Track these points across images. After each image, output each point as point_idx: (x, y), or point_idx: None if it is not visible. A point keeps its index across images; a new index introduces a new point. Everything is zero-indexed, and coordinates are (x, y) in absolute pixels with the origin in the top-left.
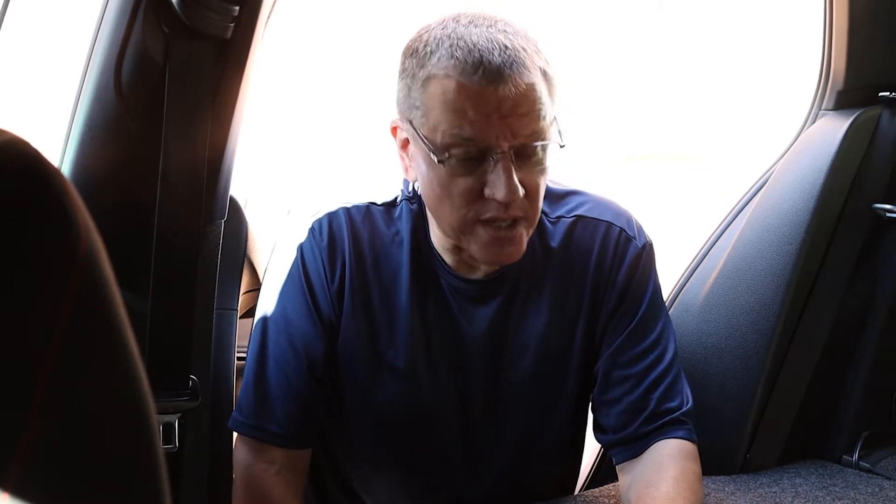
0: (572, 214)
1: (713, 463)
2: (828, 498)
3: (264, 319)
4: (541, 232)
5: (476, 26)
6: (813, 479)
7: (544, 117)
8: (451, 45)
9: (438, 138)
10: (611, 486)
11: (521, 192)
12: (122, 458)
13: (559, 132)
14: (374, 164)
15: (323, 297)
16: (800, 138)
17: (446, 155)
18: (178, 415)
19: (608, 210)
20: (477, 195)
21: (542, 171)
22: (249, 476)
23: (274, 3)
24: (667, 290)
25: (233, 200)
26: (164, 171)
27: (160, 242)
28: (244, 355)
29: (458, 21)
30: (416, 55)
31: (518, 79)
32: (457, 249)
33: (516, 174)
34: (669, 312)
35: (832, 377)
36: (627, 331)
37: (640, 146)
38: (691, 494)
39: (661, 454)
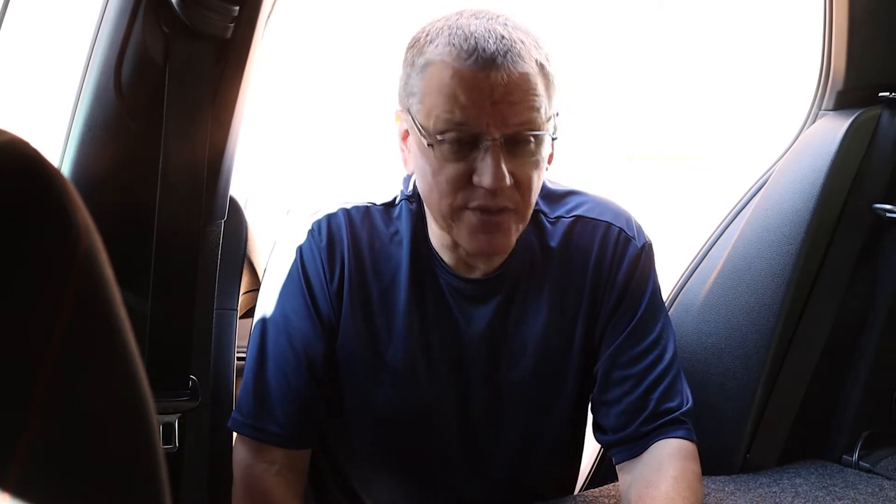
0: (571, 214)
1: (713, 463)
2: (828, 498)
3: (263, 320)
4: (540, 232)
5: (477, 19)
6: (813, 479)
7: (538, 109)
8: (449, 34)
9: (432, 124)
10: (611, 486)
11: (509, 180)
12: (122, 458)
13: (555, 127)
14: (374, 164)
15: (322, 298)
16: (800, 138)
17: (438, 139)
18: (178, 415)
19: (607, 210)
20: (465, 182)
21: (535, 164)
22: (249, 476)
23: (274, 3)
24: (667, 290)
25: (233, 200)
26: (164, 171)
27: (160, 242)
28: (244, 355)
29: (461, 15)
30: (416, 45)
31: (511, 67)
32: (455, 246)
33: (507, 164)
34: (669, 312)
35: (832, 377)
36: (627, 331)
37: (640, 146)
38: (691, 494)
39: (660, 454)
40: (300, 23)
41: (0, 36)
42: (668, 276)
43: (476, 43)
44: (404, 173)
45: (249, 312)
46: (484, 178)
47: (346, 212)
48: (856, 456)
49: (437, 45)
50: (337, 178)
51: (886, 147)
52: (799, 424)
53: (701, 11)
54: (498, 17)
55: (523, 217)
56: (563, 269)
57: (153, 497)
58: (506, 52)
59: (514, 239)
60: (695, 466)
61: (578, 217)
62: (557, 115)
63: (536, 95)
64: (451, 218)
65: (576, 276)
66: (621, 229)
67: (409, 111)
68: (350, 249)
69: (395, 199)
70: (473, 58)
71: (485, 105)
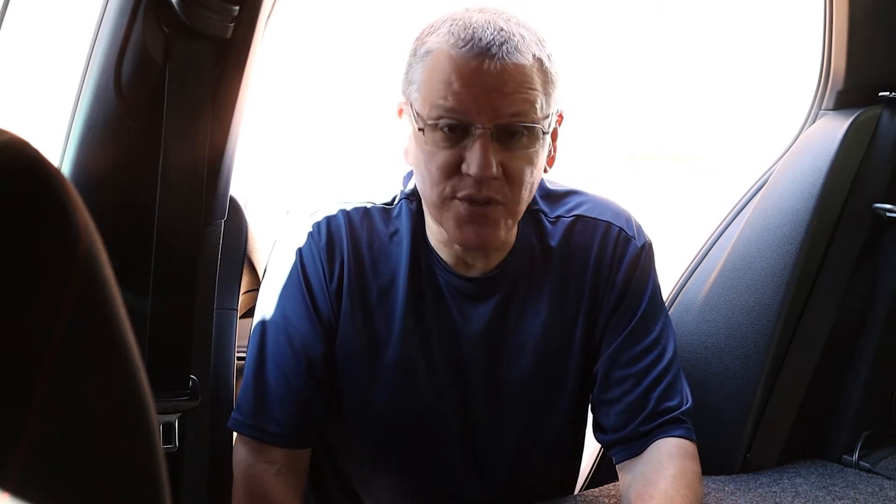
0: (571, 214)
1: (713, 463)
2: (828, 498)
3: (263, 320)
4: (540, 231)
5: (481, 13)
6: (813, 478)
7: (532, 102)
8: (451, 25)
9: (426, 111)
10: (611, 486)
11: (496, 170)
12: (122, 458)
13: (551, 125)
14: (374, 163)
15: (322, 298)
16: (800, 138)
17: (430, 124)
18: (178, 415)
19: (607, 210)
20: (455, 170)
21: (528, 158)
22: (249, 476)
23: (274, 3)
24: (667, 290)
25: (233, 200)
26: (164, 171)
27: (160, 242)
28: (244, 355)
29: (467, 10)
30: (421, 36)
31: (506, 57)
32: (452, 243)
33: (498, 155)
34: (669, 312)
35: (832, 377)
36: (627, 330)
37: (640, 146)
38: (690, 493)
39: (660, 453)
40: (300, 23)
41: (0, 36)
42: (668, 276)
43: (474, 33)
44: (404, 172)
45: (249, 312)
46: (471, 166)
47: (346, 212)
48: (856, 456)
49: (438, 35)
50: (337, 178)
51: (886, 147)
52: (799, 424)
53: (701, 11)
54: (503, 13)
55: (513, 212)
56: (562, 269)
57: (153, 497)
58: (502, 43)
59: (502, 233)
60: (694, 465)
61: (578, 216)
62: (559, 114)
63: (531, 89)
64: (440, 207)
65: (576, 276)
66: (621, 229)
67: (409, 100)
68: (349, 250)
69: (394, 198)
70: (469, 46)
71: (476, 92)
